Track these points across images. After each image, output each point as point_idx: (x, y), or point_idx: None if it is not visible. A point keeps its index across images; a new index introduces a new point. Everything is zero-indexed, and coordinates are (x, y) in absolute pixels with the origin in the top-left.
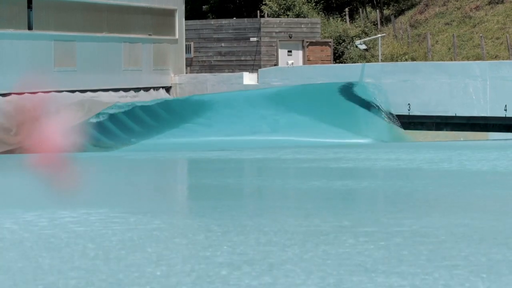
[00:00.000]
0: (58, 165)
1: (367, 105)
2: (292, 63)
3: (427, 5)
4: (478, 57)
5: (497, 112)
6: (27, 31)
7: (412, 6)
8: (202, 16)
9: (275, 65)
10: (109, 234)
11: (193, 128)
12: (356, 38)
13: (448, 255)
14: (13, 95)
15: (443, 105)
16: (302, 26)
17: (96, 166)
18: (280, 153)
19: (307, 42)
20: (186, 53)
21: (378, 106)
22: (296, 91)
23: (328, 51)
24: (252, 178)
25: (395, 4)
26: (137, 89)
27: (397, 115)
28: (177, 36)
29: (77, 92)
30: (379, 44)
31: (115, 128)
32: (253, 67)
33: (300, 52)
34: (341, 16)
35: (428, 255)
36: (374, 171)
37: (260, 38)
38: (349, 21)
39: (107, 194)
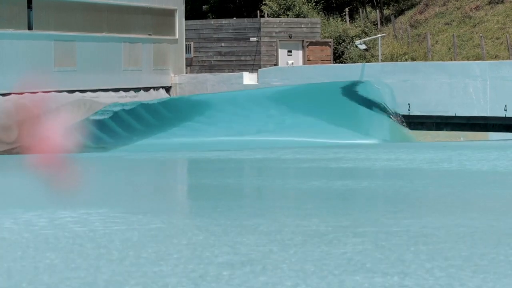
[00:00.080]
0: (58, 165)
1: (374, 105)
2: (292, 63)
3: (427, 5)
4: (478, 57)
5: (497, 112)
6: (27, 31)
7: (412, 6)
8: (202, 16)
9: (275, 65)
10: (109, 234)
11: (195, 127)
12: (356, 38)
13: (448, 255)
14: (12, 95)
15: (443, 105)
16: (302, 26)
17: (96, 166)
18: (280, 153)
19: (307, 42)
20: (186, 53)
21: (385, 106)
22: (301, 91)
23: (328, 51)
24: (252, 178)
25: (395, 4)
26: (137, 89)
27: None
28: (177, 36)
29: (77, 92)
30: (379, 44)
31: (116, 127)
32: (253, 67)
33: (300, 52)
34: (341, 16)
35: (428, 255)
36: (374, 171)
37: (260, 38)
38: (349, 21)
39: (107, 194)
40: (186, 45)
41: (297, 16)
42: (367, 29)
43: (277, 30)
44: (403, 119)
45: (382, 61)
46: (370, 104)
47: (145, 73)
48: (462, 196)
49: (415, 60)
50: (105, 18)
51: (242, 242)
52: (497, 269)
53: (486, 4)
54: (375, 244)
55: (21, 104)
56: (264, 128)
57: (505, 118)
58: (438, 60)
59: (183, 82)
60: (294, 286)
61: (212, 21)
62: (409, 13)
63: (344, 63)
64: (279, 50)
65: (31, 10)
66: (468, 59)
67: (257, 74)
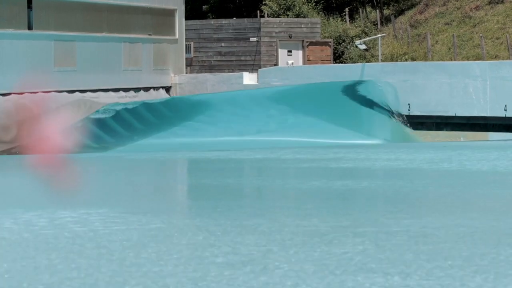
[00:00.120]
0: (58, 165)
1: (377, 105)
2: (292, 63)
3: (427, 5)
4: (478, 57)
5: (497, 112)
6: (27, 31)
7: (412, 6)
8: (202, 16)
9: (275, 65)
10: (109, 234)
11: (196, 127)
12: (356, 38)
13: (448, 255)
14: (12, 95)
15: (443, 105)
16: (302, 26)
17: (96, 166)
18: (280, 153)
19: (307, 42)
20: (186, 53)
21: (388, 106)
22: (302, 91)
23: (328, 51)
24: (252, 178)
25: (395, 4)
26: (137, 89)
27: None
28: (177, 36)
29: (77, 92)
30: (379, 44)
31: (117, 126)
32: (253, 67)
33: (300, 52)
34: (341, 16)
35: (428, 255)
36: (374, 171)
37: (260, 38)
38: (349, 21)
39: (107, 194)
40: (186, 45)
41: (297, 16)
42: (367, 29)
43: (277, 30)
44: (406, 119)
45: (382, 61)
46: (373, 104)
47: (145, 73)
48: (462, 196)
49: (415, 60)
50: (105, 18)
51: (242, 242)
52: (497, 269)
53: (486, 4)
54: (375, 244)
55: (20, 104)
56: (265, 128)
57: (505, 118)
58: (438, 60)
59: (183, 82)
60: (294, 286)
61: (212, 21)
62: (409, 13)
63: (344, 63)
64: (279, 50)
65: (31, 10)
66: (468, 59)
67: (257, 74)
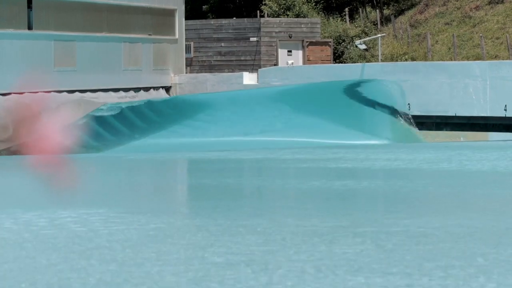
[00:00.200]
0: (58, 165)
1: (383, 105)
2: (292, 63)
3: (427, 5)
4: (478, 57)
5: (497, 112)
6: (27, 31)
7: (412, 6)
8: (202, 16)
9: (275, 65)
10: (109, 234)
11: (199, 126)
12: (356, 38)
13: (448, 255)
14: (12, 94)
15: (443, 105)
16: (302, 26)
17: (96, 166)
18: (280, 153)
19: (307, 42)
20: (186, 53)
21: (394, 106)
22: (306, 90)
23: (328, 51)
24: (252, 178)
25: (395, 4)
26: (137, 89)
27: None
28: (177, 36)
29: (76, 92)
30: (379, 44)
31: (118, 124)
32: (253, 67)
33: (300, 52)
34: (341, 16)
35: (427, 255)
36: (373, 171)
37: (260, 38)
38: (349, 21)
39: (107, 194)
40: (186, 45)
41: (297, 16)
42: (367, 29)
43: (277, 30)
44: (411, 119)
45: (382, 61)
46: (378, 104)
47: (145, 73)
48: (462, 196)
49: (415, 60)
50: (105, 18)
51: (242, 242)
52: (497, 269)
53: (486, 4)
54: (375, 244)
55: (20, 103)
56: (270, 128)
57: (505, 118)
58: (438, 60)
59: (183, 82)
60: (294, 286)
61: (212, 21)
62: (409, 13)
63: (344, 63)
64: (279, 50)
65: (31, 10)
66: (468, 59)
67: (257, 74)
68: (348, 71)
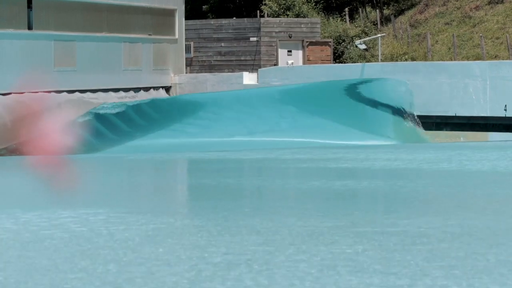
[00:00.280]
0: (58, 165)
1: (389, 106)
2: (292, 63)
3: (427, 5)
4: (478, 57)
5: (497, 112)
6: (27, 31)
7: (412, 6)
8: (202, 16)
9: (275, 65)
10: (108, 234)
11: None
12: (356, 38)
13: (447, 255)
14: (12, 94)
15: (443, 105)
16: (302, 26)
17: (96, 166)
18: (280, 153)
19: (307, 42)
20: (186, 53)
21: (401, 106)
22: (309, 89)
23: (328, 51)
24: (252, 178)
25: (395, 4)
26: (137, 89)
27: None
28: (177, 36)
29: (76, 92)
30: (379, 44)
31: (119, 123)
32: (253, 67)
33: (300, 52)
34: (341, 16)
35: (427, 255)
36: (373, 171)
37: (260, 38)
38: (349, 21)
39: (107, 194)
40: (186, 45)
41: (297, 16)
42: (367, 29)
43: (277, 30)
44: (418, 120)
45: (382, 61)
46: (384, 104)
47: (145, 73)
48: (462, 196)
49: (415, 60)
50: (105, 18)
51: (242, 242)
52: (497, 269)
53: (486, 4)
54: (374, 244)
55: (19, 102)
56: (275, 128)
57: (505, 118)
58: (438, 60)
59: (183, 82)
60: (293, 286)
61: (212, 21)
62: (409, 13)
63: (344, 63)
64: (279, 50)
65: (31, 10)
66: (468, 59)
67: (257, 74)
68: (348, 71)
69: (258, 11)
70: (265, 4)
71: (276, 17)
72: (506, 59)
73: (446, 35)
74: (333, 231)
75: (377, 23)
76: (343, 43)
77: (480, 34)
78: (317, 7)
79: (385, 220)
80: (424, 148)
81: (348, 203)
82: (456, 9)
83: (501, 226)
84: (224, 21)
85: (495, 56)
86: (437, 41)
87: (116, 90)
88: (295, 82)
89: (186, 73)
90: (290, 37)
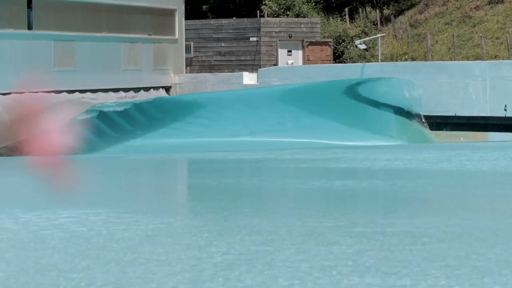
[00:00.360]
0: (57, 165)
1: (394, 106)
2: (292, 63)
3: (427, 5)
4: (478, 57)
5: (497, 112)
6: (27, 31)
7: (412, 6)
8: (202, 16)
9: (274, 65)
10: (108, 234)
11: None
12: (356, 38)
13: (448, 255)
14: (12, 94)
15: (443, 105)
16: (302, 26)
17: (96, 166)
18: (280, 153)
19: (307, 42)
20: (186, 53)
21: (407, 106)
22: (311, 89)
23: (328, 51)
24: (252, 178)
25: (395, 4)
26: (137, 89)
27: None
28: (177, 36)
29: (76, 92)
30: (379, 44)
31: (121, 121)
32: (253, 67)
33: (300, 52)
34: (341, 16)
35: (427, 255)
36: (373, 171)
37: (260, 38)
38: (349, 21)
39: (107, 194)
40: (186, 45)
41: (297, 16)
42: (367, 29)
43: (277, 30)
44: (424, 120)
45: (382, 61)
46: (390, 105)
47: (145, 73)
48: (462, 196)
49: (415, 60)
50: (105, 18)
51: (241, 242)
52: (498, 269)
53: (486, 4)
54: (374, 244)
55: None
56: (278, 128)
57: (505, 118)
58: (438, 60)
59: (183, 82)
60: (293, 286)
61: (212, 21)
62: (409, 13)
63: (344, 63)
64: (279, 50)
65: (31, 10)
66: (468, 59)
67: (257, 74)
68: (348, 71)
69: (258, 11)
70: (265, 4)
71: (276, 17)
72: (506, 59)
73: (446, 35)
74: (333, 231)
75: (377, 23)
76: (343, 43)
77: (480, 34)
78: (317, 7)
79: (385, 220)
80: (424, 148)
81: (348, 203)
82: (456, 9)
83: (501, 226)
84: (224, 21)
85: (495, 56)
86: (437, 41)
87: (116, 90)
88: (295, 82)
89: (186, 73)
90: (290, 37)
